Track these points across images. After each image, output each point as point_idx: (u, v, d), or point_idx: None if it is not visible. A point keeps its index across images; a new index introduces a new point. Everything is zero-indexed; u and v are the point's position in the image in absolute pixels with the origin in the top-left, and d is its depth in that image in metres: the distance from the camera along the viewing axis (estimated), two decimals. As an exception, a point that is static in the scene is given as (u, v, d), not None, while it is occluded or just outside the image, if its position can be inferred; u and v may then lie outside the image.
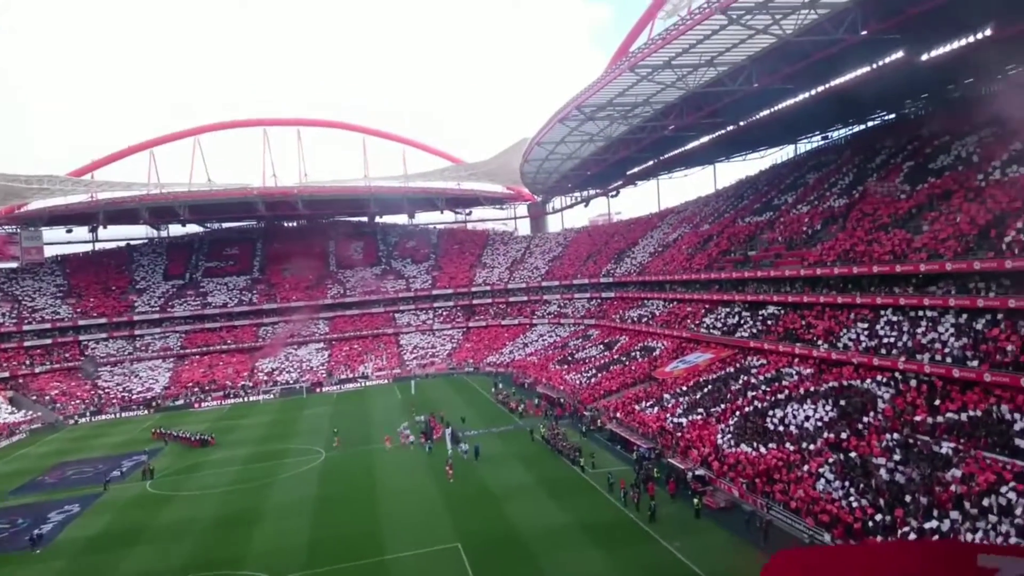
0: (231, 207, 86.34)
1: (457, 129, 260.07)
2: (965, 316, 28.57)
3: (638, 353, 52.65)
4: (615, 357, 54.74)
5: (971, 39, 34.13)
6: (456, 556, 24.29)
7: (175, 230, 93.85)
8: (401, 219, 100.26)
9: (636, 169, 72.81)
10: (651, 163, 68.88)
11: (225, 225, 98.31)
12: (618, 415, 41.75)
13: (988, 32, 33.00)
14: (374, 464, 38.33)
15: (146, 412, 64.28)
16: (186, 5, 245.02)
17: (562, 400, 49.16)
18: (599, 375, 51.71)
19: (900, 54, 36.83)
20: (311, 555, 25.54)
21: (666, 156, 65.77)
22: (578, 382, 52.25)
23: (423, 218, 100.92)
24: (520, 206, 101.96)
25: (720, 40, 35.89)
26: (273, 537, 27.91)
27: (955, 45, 35.10)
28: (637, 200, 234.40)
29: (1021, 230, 27.11)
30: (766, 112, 49.52)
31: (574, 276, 78.56)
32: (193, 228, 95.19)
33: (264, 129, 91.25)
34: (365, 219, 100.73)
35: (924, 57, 36.78)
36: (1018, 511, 19.04)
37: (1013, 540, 18.06)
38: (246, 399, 67.37)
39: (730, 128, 53.60)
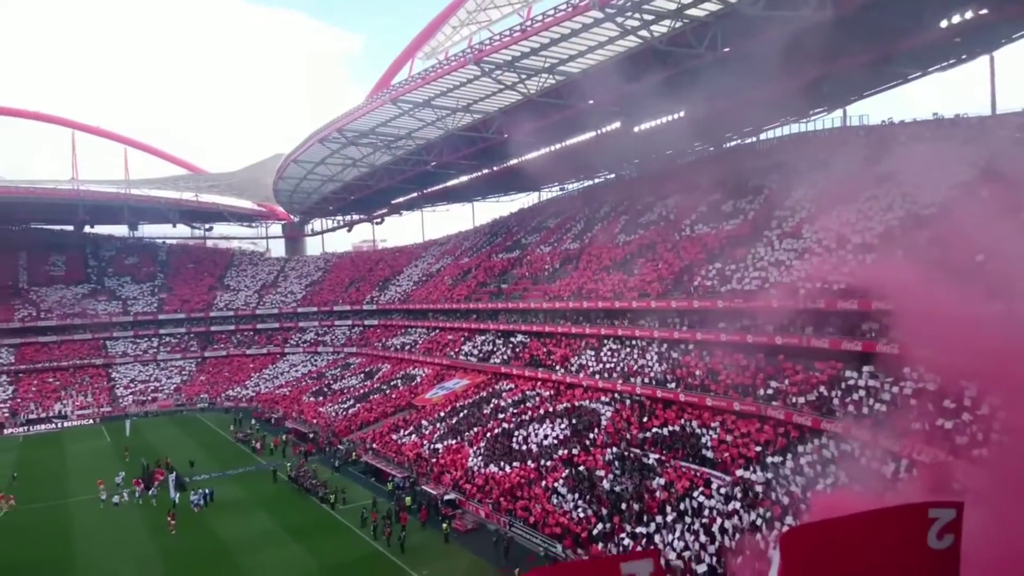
0: None
1: (206, 144, 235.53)
2: (665, 346, 34.43)
3: (399, 381, 52.62)
4: (376, 386, 53.92)
5: (670, 118, 42.00)
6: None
7: None
8: (121, 231, 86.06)
9: (401, 199, 73.69)
10: (415, 194, 70.41)
11: None
12: (374, 446, 41.02)
13: (682, 113, 40.93)
14: (71, 522, 31.67)
15: None
16: None
17: (314, 434, 46.59)
18: (358, 406, 50.34)
19: (618, 124, 43.77)
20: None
21: (429, 190, 67.99)
22: (334, 414, 50.18)
23: (150, 231, 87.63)
24: (273, 225, 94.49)
25: (475, 89, 38.84)
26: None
27: (658, 122, 42.85)
28: (403, 229, 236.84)
29: (705, 277, 33.79)
30: (515, 161, 54.38)
31: (335, 302, 75.65)
32: None
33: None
34: (71, 228, 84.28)
35: (636, 129, 44.15)
36: (705, 512, 23.20)
37: (703, 538, 21.87)
38: None
39: (485, 171, 57.62)
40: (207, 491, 33.84)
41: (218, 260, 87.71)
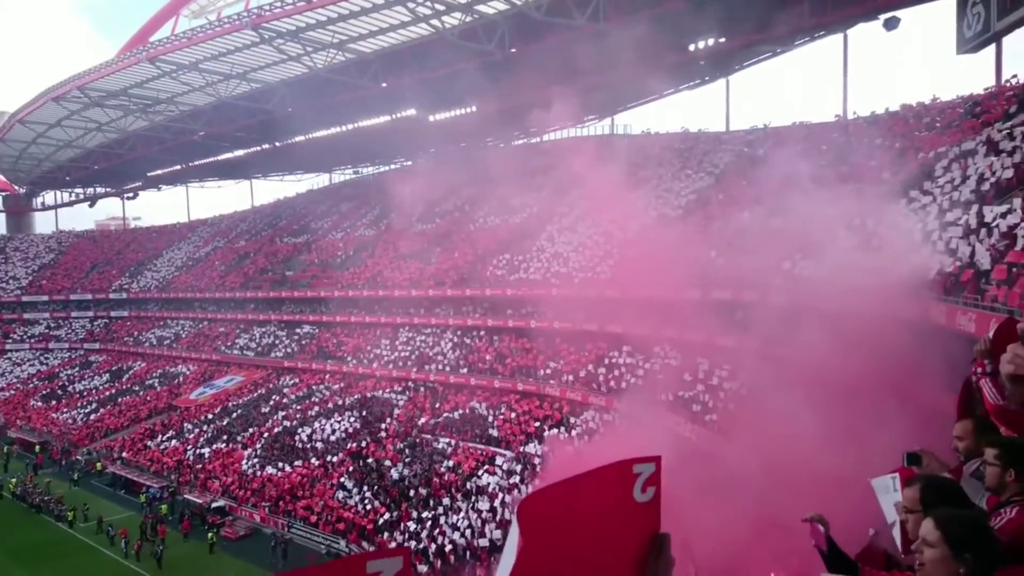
0: None
1: None
2: (460, 333, 35.21)
3: (157, 381, 46.53)
4: (126, 387, 46.99)
5: (463, 111, 42.84)
6: None
7: None
8: None
9: (160, 171, 64.57)
10: (179, 167, 62.26)
11: None
12: (124, 455, 35.81)
13: (473, 108, 42.01)
14: None
15: None
16: None
17: (42, 444, 39.27)
18: (102, 410, 43.40)
19: (413, 111, 43.55)
20: None
21: (197, 163, 60.71)
22: (71, 420, 42.68)
23: None
24: (-10, 198, 77.12)
25: (253, 56, 35.88)
26: None
27: (453, 113, 43.48)
28: (162, 206, 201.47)
29: (496, 267, 35.18)
30: (302, 138, 51.12)
31: (72, 290, 63.82)
32: None
33: None
34: None
35: (431, 118, 44.31)
36: (490, 488, 24.14)
37: (486, 514, 22.72)
38: None
39: (266, 147, 53.26)
40: None
41: (-89, 238, 68.94)
